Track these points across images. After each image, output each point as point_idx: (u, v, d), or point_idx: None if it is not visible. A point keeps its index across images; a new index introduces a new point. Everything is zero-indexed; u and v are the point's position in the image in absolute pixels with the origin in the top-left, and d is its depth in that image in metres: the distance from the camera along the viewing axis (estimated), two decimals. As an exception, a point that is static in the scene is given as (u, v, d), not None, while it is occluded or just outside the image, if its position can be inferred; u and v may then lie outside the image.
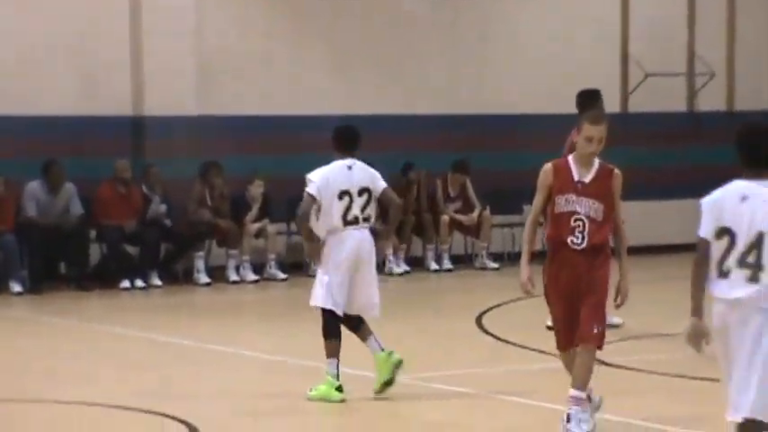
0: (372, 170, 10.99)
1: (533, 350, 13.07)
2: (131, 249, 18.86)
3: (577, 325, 8.94)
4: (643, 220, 21.53)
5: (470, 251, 21.27)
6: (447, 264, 20.56)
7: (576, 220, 9.09)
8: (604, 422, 9.48)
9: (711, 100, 22.78)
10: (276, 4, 20.41)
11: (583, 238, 9.02)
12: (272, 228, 19.36)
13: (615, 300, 9.02)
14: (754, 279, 7.17)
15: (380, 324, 13.16)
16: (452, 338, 14.40)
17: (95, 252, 19.05)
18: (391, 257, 20.12)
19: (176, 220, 19.10)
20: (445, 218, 20.56)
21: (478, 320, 15.15)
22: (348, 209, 10.75)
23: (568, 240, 9.00)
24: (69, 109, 19.04)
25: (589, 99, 14.67)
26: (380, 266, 20.08)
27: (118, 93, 19.51)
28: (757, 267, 7.18)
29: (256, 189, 19.39)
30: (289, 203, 17.20)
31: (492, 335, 14.25)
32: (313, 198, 10.64)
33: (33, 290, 18.02)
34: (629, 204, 21.57)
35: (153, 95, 19.61)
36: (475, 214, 20.73)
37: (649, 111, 22.24)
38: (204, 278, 18.94)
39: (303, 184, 10.68)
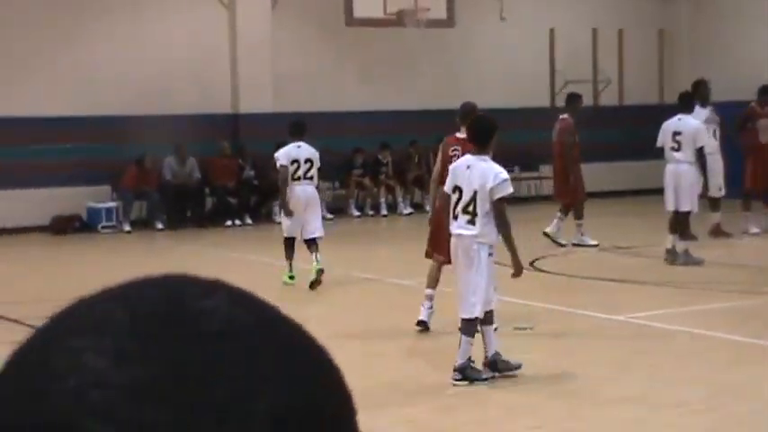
0: (314, 149, 11.73)
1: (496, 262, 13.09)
2: (232, 200, 18.91)
3: None
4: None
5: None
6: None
7: None
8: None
9: (609, 98, 22.71)
10: (322, 38, 20.34)
11: None
12: (322, 184, 19.27)
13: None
14: (471, 222, 7.22)
15: (395, 248, 12.99)
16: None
17: (209, 202, 19.11)
18: (401, 202, 20.13)
19: (261, 181, 19.13)
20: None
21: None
22: (296, 171, 11.40)
23: None
24: (191, 109, 19.05)
25: (575, 98, 14.81)
26: (393, 207, 20.19)
27: (222, 97, 19.52)
28: (474, 214, 7.20)
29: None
30: (332, 168, 17.16)
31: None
32: (284, 167, 11.37)
33: (170, 227, 18.11)
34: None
35: (245, 98, 19.60)
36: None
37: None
38: (278, 218, 18.88)
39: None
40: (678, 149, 12.43)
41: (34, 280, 12.63)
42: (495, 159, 7.42)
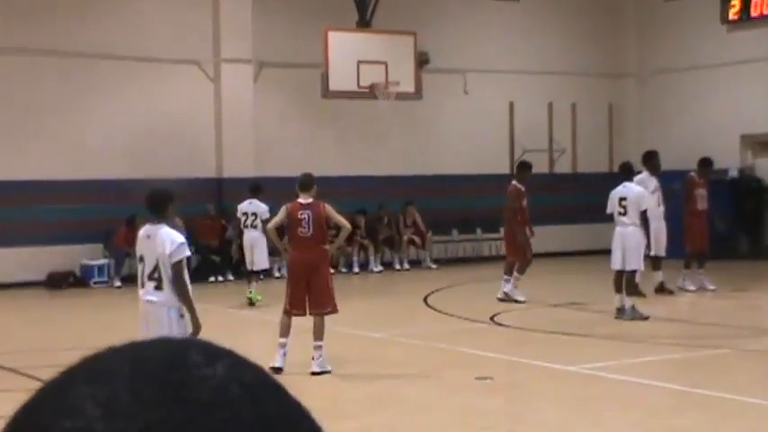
0: (262, 205, 14.47)
1: (458, 317, 13.13)
2: (215, 258, 18.86)
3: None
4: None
5: (419, 257, 21.32)
6: (406, 265, 20.62)
7: None
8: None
9: (563, 166, 22.94)
10: (301, 108, 20.48)
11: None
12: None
13: None
14: (159, 288, 7.12)
15: (366, 303, 13.08)
16: (409, 310, 14.39)
17: (194, 260, 19.03)
18: (372, 261, 20.17)
19: (243, 240, 19.05)
20: (405, 238, 20.65)
21: (425, 299, 15.21)
22: (245, 221, 14.84)
23: None
24: (178, 173, 19.08)
25: (524, 167, 14.61)
26: (365, 266, 20.21)
27: (207, 162, 19.58)
28: (159, 280, 7.12)
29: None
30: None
31: (433, 308, 14.28)
32: (237, 218, 14.37)
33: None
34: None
35: (228, 163, 19.66)
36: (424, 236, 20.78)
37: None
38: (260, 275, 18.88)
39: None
40: (624, 213, 12.60)
41: (30, 331, 12.53)
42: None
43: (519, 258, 14.19)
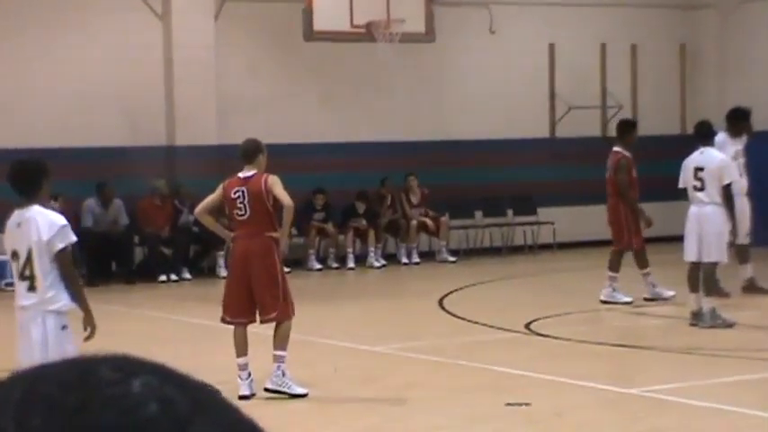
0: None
1: (483, 324, 13.15)
2: (166, 250, 18.89)
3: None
4: (572, 221, 21.70)
5: (433, 247, 21.27)
6: (415, 258, 20.57)
7: None
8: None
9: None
10: (276, 56, 20.46)
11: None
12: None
13: None
14: (32, 288, 6.86)
15: (364, 305, 13.09)
16: (419, 316, 14.44)
17: (139, 253, 19.10)
18: (372, 253, 20.18)
19: (202, 227, 19.08)
20: (414, 222, 20.60)
21: (441, 302, 15.20)
22: None
23: None
24: (118, 140, 19.08)
25: (628, 126, 14.83)
26: (362, 259, 20.20)
27: (155, 127, 19.58)
28: (32, 278, 6.86)
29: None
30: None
31: (451, 314, 14.30)
32: None
33: (90, 283, 18.02)
34: (562, 210, 21.88)
35: (183, 129, 19.65)
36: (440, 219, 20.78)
37: (571, 136, 22.38)
38: (224, 272, 18.90)
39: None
40: (701, 188, 12.57)
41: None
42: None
43: (632, 243, 14.24)
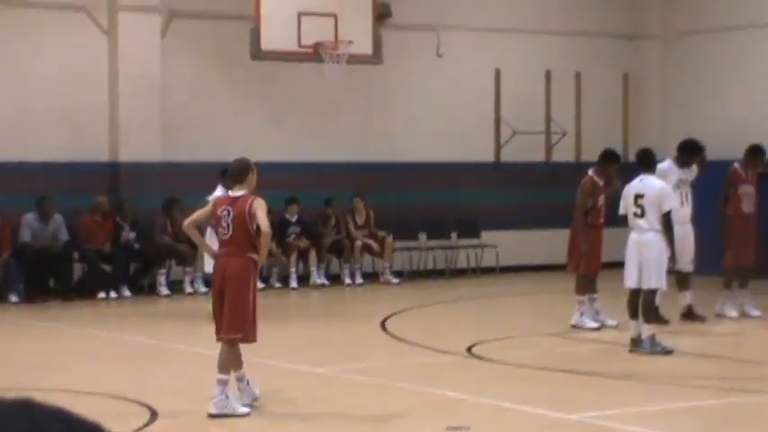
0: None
1: (425, 347, 13.12)
2: (106, 267, 18.72)
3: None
4: (515, 245, 21.78)
5: (377, 268, 21.24)
6: (359, 279, 20.54)
7: None
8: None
9: (564, 153, 23.02)
10: (223, 73, 20.38)
11: None
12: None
13: None
14: None
15: (305, 327, 12.97)
16: (362, 337, 14.39)
17: (78, 270, 18.90)
18: (315, 272, 20.13)
19: (143, 244, 19.00)
20: (358, 243, 20.57)
21: (383, 324, 15.17)
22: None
23: None
24: (58, 155, 18.90)
25: (611, 158, 14.67)
26: (305, 280, 20.13)
27: (97, 142, 19.40)
28: None
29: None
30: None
31: (393, 336, 14.26)
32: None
33: (28, 300, 17.85)
34: (506, 233, 21.94)
35: (126, 144, 19.49)
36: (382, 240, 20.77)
37: (516, 161, 22.46)
38: (165, 290, 18.84)
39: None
40: (642, 215, 12.63)
41: None
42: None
43: (586, 270, 14.21)
